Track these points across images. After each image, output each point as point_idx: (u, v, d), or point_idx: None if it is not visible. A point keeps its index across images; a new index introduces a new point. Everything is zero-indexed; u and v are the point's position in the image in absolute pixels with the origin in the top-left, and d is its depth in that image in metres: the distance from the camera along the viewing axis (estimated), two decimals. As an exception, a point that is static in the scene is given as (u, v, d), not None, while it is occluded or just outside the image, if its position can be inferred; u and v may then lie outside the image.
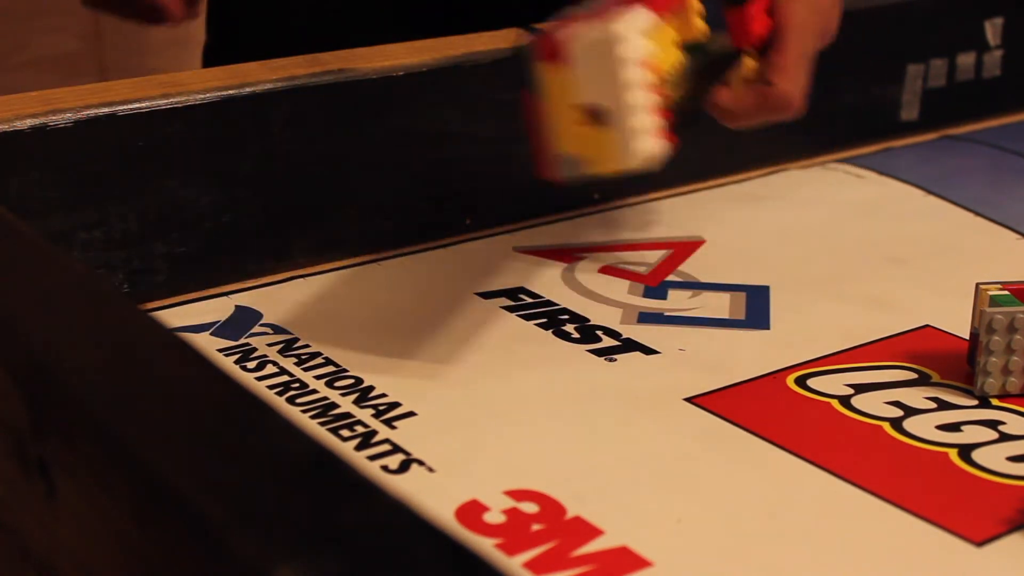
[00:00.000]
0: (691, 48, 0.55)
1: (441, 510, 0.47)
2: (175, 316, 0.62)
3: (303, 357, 0.59)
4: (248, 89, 0.64)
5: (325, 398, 0.55)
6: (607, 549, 0.46)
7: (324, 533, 0.28)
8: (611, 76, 0.49)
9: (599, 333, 0.62)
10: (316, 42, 0.68)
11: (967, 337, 0.59)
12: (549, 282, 0.67)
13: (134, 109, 0.61)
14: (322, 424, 0.53)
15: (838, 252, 0.72)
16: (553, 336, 0.61)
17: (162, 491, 0.31)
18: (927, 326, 0.63)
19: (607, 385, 0.57)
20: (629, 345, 0.61)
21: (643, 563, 0.45)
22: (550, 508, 0.48)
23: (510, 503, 0.48)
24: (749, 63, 0.62)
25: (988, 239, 0.74)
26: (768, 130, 0.84)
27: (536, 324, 0.63)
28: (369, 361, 0.59)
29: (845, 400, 0.56)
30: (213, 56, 0.86)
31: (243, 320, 0.62)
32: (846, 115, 0.87)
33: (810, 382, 0.57)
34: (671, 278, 0.68)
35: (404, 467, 0.50)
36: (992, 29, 0.93)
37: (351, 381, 0.57)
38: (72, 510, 0.36)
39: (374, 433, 0.53)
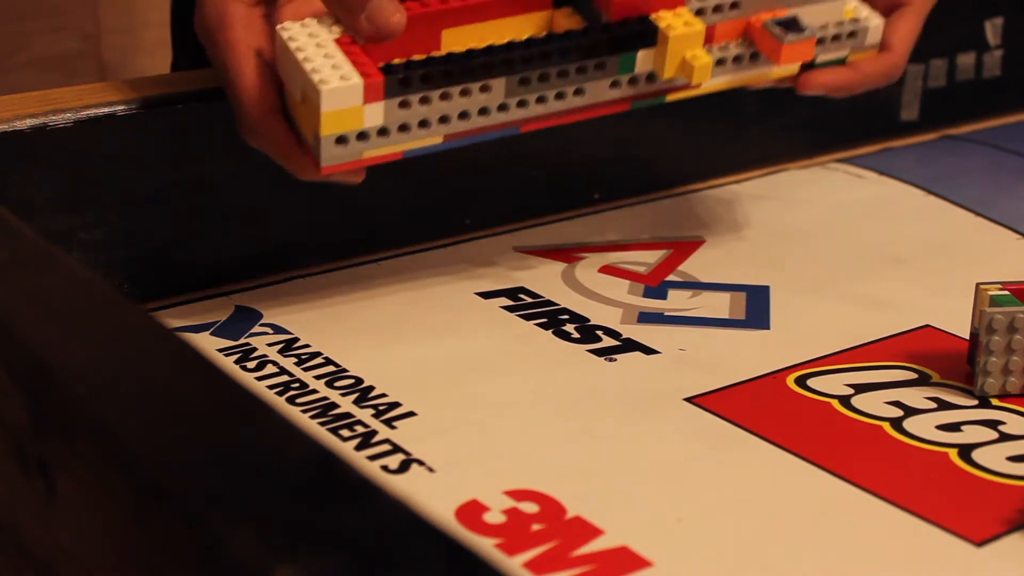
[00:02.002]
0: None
1: (441, 510, 0.47)
2: (175, 316, 0.62)
3: (303, 357, 0.59)
4: (248, 89, 0.64)
5: (325, 398, 0.55)
6: (607, 549, 0.46)
7: (324, 533, 0.28)
8: (291, 62, 0.54)
9: (599, 333, 0.62)
10: None
11: (967, 337, 0.59)
12: (549, 282, 0.67)
13: (134, 109, 0.61)
14: (322, 424, 0.53)
15: (838, 252, 0.72)
16: (553, 336, 0.61)
17: (162, 491, 0.31)
18: (927, 326, 0.63)
19: (607, 385, 0.57)
20: (629, 345, 0.61)
21: (643, 563, 0.45)
22: (550, 508, 0.48)
23: (510, 503, 0.48)
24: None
25: (988, 239, 0.74)
26: (768, 130, 0.84)
27: (536, 324, 0.63)
28: (369, 361, 0.59)
29: (845, 400, 0.56)
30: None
31: (243, 320, 0.62)
32: (846, 115, 0.87)
33: (810, 382, 0.57)
34: (671, 278, 0.68)
35: (404, 467, 0.50)
36: (992, 29, 0.93)
37: (351, 381, 0.57)
38: (72, 510, 0.36)
39: (374, 433, 0.53)
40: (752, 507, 0.49)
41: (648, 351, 0.60)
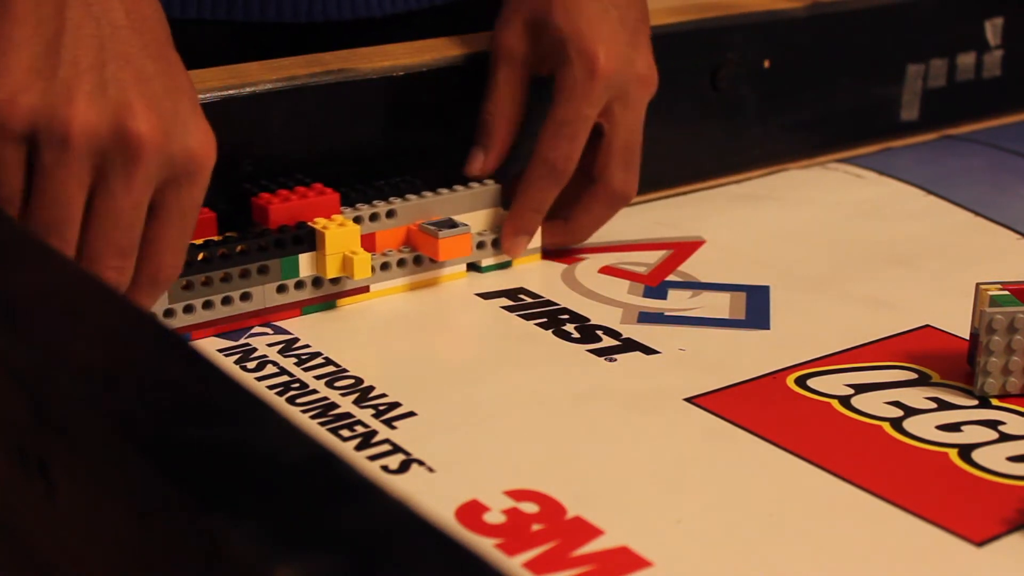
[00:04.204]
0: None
1: (441, 510, 0.47)
2: (175, 316, 0.62)
3: (303, 357, 0.59)
4: (248, 89, 0.64)
5: (325, 398, 0.55)
6: (607, 549, 0.46)
7: (324, 533, 0.28)
8: None
9: (599, 333, 0.62)
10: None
11: (967, 337, 0.59)
12: (549, 282, 0.67)
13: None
14: (322, 424, 0.53)
15: (838, 252, 0.72)
16: (553, 336, 0.61)
17: (162, 491, 0.31)
18: (927, 326, 0.63)
19: (607, 385, 0.57)
20: (629, 345, 0.61)
21: (643, 563, 0.45)
22: (550, 508, 0.48)
23: (510, 503, 0.48)
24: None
25: (988, 239, 0.74)
26: (768, 130, 0.84)
27: (536, 324, 0.63)
28: (369, 361, 0.59)
29: (845, 400, 0.56)
30: None
31: (243, 320, 0.62)
32: (846, 115, 0.87)
33: (810, 382, 0.57)
34: (671, 278, 0.68)
35: (404, 467, 0.50)
36: (992, 29, 0.93)
37: (351, 381, 0.57)
38: (72, 510, 0.36)
39: (374, 433, 0.53)
40: (752, 507, 0.49)
41: (648, 351, 0.60)
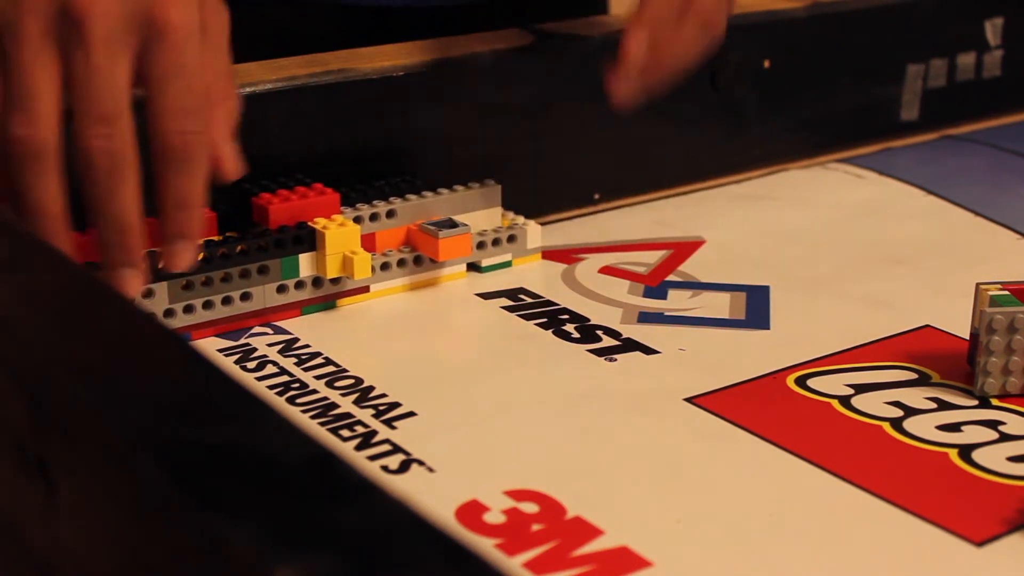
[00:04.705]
0: None
1: (441, 510, 0.47)
2: (175, 316, 0.62)
3: (303, 357, 0.59)
4: (248, 89, 0.64)
5: (325, 398, 0.55)
6: (607, 549, 0.46)
7: (324, 533, 0.28)
8: None
9: (599, 333, 0.62)
10: None
11: (967, 337, 0.59)
12: (549, 282, 0.67)
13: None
14: (322, 424, 0.53)
15: (838, 252, 0.72)
16: (553, 336, 0.61)
17: (162, 491, 0.31)
18: (927, 326, 0.63)
19: (607, 385, 0.57)
20: (629, 345, 0.61)
21: (643, 563, 0.45)
22: (550, 508, 0.48)
23: (510, 503, 0.48)
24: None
25: (988, 239, 0.74)
26: (768, 130, 0.84)
27: (536, 324, 0.63)
28: (369, 361, 0.59)
29: (845, 400, 0.56)
30: None
31: (243, 320, 0.62)
32: (846, 115, 0.87)
33: (810, 382, 0.57)
34: (671, 278, 0.68)
35: (404, 467, 0.50)
36: (992, 29, 0.93)
37: (351, 381, 0.57)
38: (72, 510, 0.36)
39: (374, 433, 0.53)
40: (752, 507, 0.49)
41: (648, 351, 0.60)
